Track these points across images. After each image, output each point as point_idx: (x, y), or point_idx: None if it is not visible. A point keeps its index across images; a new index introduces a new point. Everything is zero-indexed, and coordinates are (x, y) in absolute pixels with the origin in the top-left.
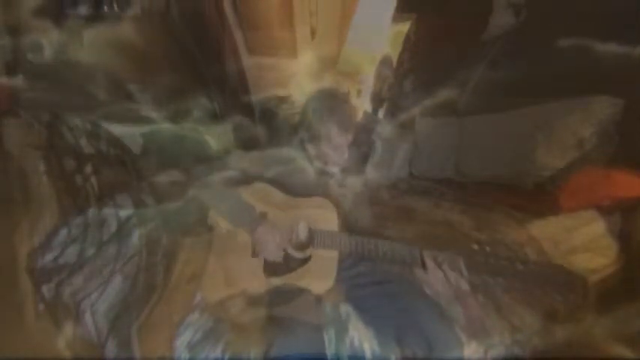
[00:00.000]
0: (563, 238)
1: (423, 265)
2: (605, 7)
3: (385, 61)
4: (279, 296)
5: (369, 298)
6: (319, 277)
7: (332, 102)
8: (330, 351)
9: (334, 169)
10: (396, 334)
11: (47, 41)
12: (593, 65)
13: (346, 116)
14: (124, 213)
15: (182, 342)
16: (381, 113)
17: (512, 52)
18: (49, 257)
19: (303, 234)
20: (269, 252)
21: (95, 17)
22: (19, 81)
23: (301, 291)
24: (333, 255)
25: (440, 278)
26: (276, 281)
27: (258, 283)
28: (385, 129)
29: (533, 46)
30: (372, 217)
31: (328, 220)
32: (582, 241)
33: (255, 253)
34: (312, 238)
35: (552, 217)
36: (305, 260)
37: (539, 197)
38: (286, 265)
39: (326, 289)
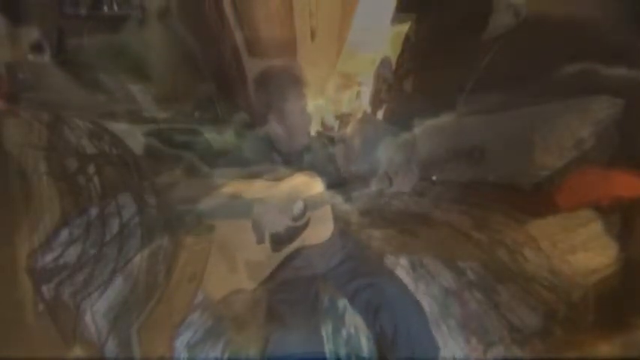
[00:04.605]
0: (562, 237)
1: (390, 182)
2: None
3: (385, 63)
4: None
5: (357, 292)
6: (318, 230)
7: (283, 73)
8: (328, 346)
9: (304, 141)
10: (373, 325)
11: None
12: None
13: (297, 83)
14: (126, 213)
15: (182, 341)
16: (380, 114)
17: (512, 52)
18: (49, 257)
19: (298, 210)
20: (271, 222)
21: (95, 17)
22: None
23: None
24: (326, 208)
25: (400, 181)
26: (285, 251)
27: (262, 256)
28: (389, 146)
29: (534, 48)
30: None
31: (314, 183)
32: (581, 241)
33: (260, 239)
34: (306, 207)
35: (551, 216)
36: (305, 225)
37: (537, 197)
38: (290, 235)
39: (325, 238)
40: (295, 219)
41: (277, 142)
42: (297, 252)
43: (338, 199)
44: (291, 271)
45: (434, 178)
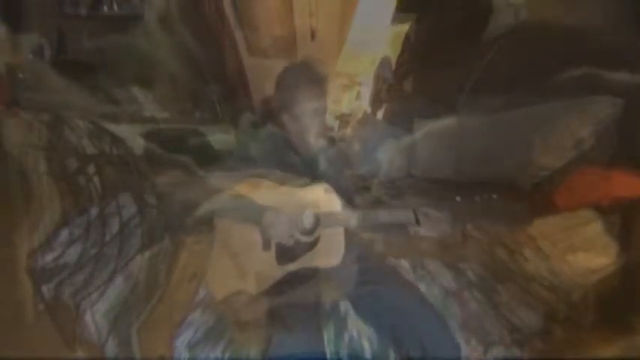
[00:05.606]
0: (562, 237)
1: (417, 222)
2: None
3: (384, 63)
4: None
5: (365, 297)
6: (328, 253)
7: (305, 72)
8: (329, 348)
9: (319, 142)
10: (391, 334)
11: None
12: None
13: (319, 82)
14: (126, 213)
15: (182, 341)
16: (380, 114)
17: (512, 52)
18: (49, 257)
19: (308, 222)
20: (279, 234)
21: (95, 17)
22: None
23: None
24: (339, 231)
25: (429, 227)
26: (291, 267)
27: (273, 271)
28: (389, 147)
29: (534, 49)
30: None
31: (331, 201)
32: (581, 241)
33: (266, 246)
34: (318, 222)
35: (551, 216)
36: (314, 243)
37: (537, 197)
38: (297, 251)
39: (335, 264)
40: (304, 232)
41: (292, 142)
42: (304, 270)
43: (350, 216)
44: (296, 287)
45: (458, 198)
